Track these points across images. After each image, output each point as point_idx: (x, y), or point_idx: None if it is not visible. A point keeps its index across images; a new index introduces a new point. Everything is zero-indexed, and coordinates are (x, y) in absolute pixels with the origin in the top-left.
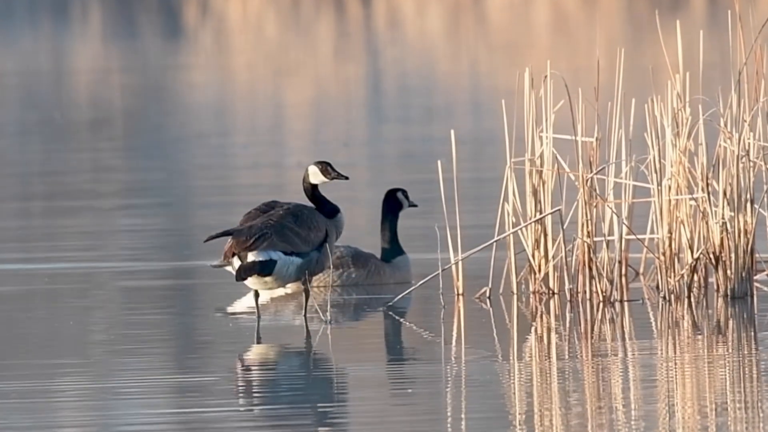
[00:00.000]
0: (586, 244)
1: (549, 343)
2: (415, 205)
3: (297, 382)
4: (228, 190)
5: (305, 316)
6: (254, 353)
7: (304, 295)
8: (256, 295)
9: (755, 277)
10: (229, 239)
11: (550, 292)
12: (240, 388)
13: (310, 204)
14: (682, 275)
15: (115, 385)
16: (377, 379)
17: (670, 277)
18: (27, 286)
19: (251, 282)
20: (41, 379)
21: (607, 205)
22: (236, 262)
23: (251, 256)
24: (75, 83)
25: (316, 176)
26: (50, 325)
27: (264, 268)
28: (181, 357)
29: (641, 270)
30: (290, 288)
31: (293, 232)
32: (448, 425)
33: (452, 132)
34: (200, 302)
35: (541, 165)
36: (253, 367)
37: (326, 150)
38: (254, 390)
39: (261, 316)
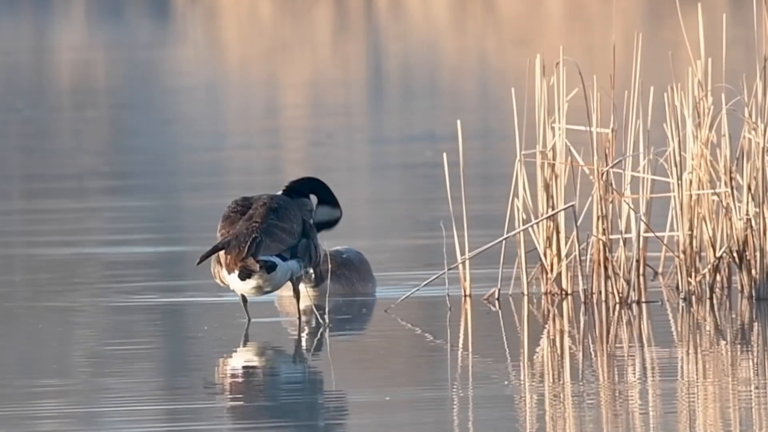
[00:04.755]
0: (601, 242)
1: (562, 352)
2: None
3: (293, 397)
4: (217, 172)
5: (300, 319)
6: (243, 364)
7: (294, 296)
8: (244, 300)
9: None
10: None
11: (563, 293)
12: (229, 408)
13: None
14: (704, 275)
15: (100, 409)
16: (378, 394)
17: (691, 277)
18: (5, 276)
19: (250, 284)
20: (20, 402)
21: (624, 201)
22: (233, 275)
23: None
24: (57, 64)
25: None
26: (28, 331)
27: (268, 263)
28: (168, 368)
29: (660, 270)
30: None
31: (279, 228)
32: None
33: (458, 122)
34: (190, 297)
35: (554, 158)
36: (242, 383)
37: (316, 139)
38: (246, 409)
39: (251, 319)
